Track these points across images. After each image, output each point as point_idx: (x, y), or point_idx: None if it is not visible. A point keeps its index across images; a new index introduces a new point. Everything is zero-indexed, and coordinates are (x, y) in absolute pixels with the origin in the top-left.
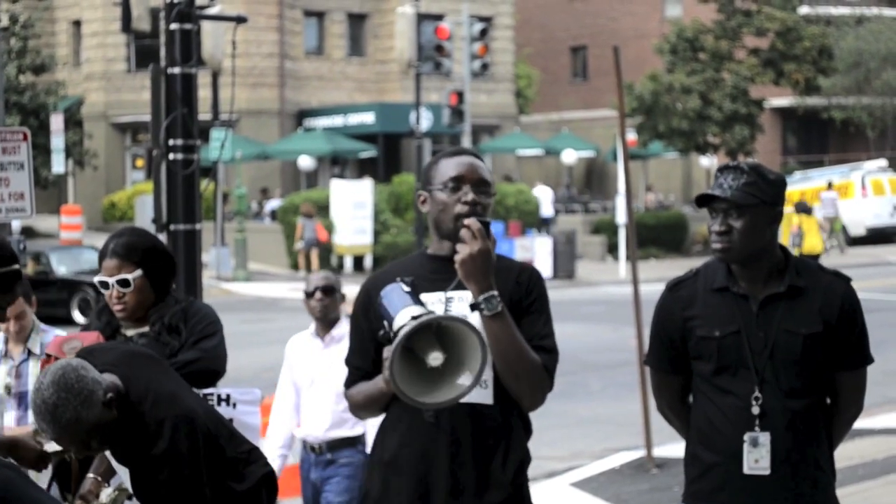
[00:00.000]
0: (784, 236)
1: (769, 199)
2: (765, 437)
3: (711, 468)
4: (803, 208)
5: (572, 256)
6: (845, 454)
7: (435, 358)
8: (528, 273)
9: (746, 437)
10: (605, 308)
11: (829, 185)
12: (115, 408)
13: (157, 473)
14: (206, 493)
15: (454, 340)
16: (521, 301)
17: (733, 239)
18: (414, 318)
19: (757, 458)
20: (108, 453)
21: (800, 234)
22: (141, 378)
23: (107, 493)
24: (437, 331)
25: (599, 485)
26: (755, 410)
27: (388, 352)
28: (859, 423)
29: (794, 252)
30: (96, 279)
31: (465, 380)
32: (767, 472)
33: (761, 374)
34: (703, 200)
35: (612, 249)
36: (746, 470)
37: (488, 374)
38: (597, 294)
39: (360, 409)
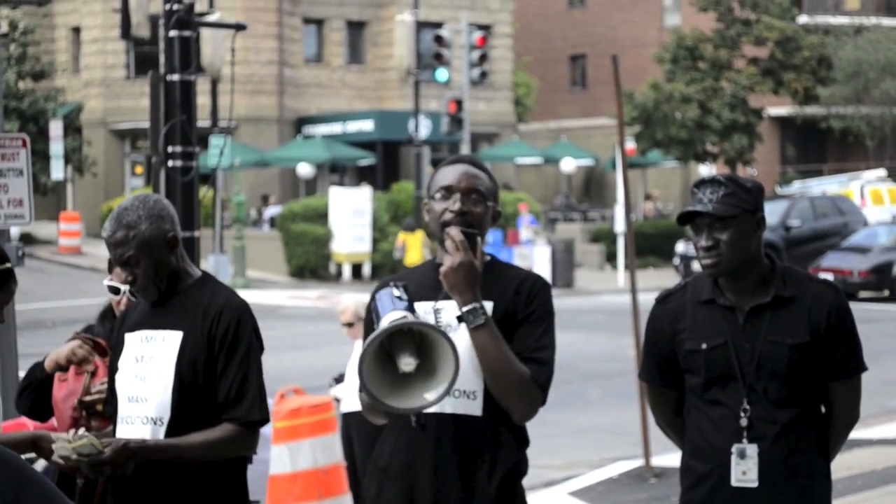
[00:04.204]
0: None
1: (750, 206)
2: (752, 449)
3: (702, 479)
4: (409, 227)
5: (571, 265)
6: (844, 464)
7: (407, 363)
8: (530, 284)
9: (734, 448)
10: (603, 317)
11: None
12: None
13: None
14: None
15: (431, 349)
16: (518, 313)
17: (722, 252)
18: (392, 322)
19: (745, 469)
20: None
21: (403, 248)
22: None
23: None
24: (419, 338)
25: (598, 494)
26: (743, 422)
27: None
28: (858, 434)
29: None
30: (106, 282)
31: (435, 390)
32: (755, 484)
33: (749, 386)
34: (686, 218)
35: (611, 258)
36: (734, 482)
37: (478, 386)
38: (595, 303)
39: (367, 411)
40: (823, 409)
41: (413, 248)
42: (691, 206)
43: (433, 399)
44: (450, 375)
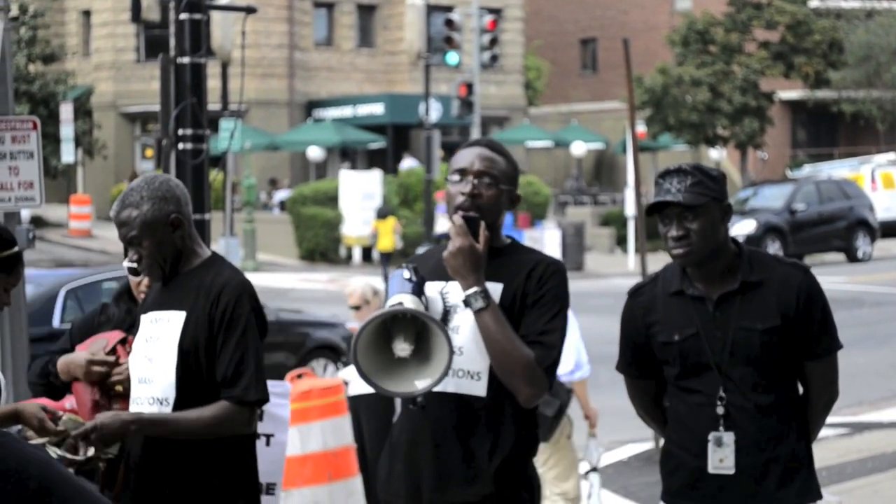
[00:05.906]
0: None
1: (717, 195)
2: (729, 437)
3: (681, 466)
4: (381, 213)
5: (581, 248)
6: (855, 447)
7: (402, 349)
8: (543, 267)
9: (711, 436)
10: (613, 300)
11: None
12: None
13: None
14: None
15: (429, 337)
16: (528, 296)
17: (692, 241)
18: (391, 306)
19: (721, 457)
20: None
21: (375, 234)
22: None
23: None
24: (421, 325)
25: (608, 476)
26: (720, 410)
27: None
28: (868, 417)
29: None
30: (126, 263)
31: (426, 379)
32: (732, 471)
33: (724, 374)
34: (655, 209)
35: (621, 241)
36: (711, 469)
37: (483, 367)
38: (605, 286)
39: None
40: (801, 391)
41: (384, 235)
42: (659, 197)
43: (423, 387)
44: (443, 366)
